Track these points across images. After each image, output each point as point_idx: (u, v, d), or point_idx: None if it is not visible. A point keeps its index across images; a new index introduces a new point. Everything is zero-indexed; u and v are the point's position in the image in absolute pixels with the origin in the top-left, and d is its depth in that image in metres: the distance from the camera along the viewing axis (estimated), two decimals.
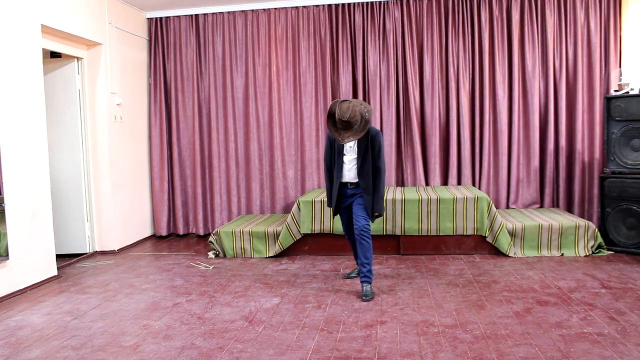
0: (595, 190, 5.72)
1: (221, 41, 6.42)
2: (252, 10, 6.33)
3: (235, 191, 6.47)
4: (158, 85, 6.51)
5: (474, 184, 6.08)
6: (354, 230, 4.00)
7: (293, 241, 5.23)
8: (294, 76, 6.33)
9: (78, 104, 5.57)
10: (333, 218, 4.29)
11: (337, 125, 3.78)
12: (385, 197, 4.97)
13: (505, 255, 4.96)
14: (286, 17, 6.30)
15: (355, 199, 3.99)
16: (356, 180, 3.95)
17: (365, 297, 3.83)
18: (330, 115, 3.82)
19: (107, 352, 3.04)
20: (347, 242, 5.08)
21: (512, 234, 5.00)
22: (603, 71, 5.77)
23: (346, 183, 4.01)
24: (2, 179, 4.14)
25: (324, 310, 3.66)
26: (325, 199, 5.14)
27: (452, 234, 5.06)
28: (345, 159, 3.96)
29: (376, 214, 3.96)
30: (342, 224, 4.26)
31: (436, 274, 4.46)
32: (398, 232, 5.12)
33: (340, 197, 4.07)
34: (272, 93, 6.34)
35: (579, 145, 5.81)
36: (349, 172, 3.97)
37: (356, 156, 3.92)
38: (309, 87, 6.29)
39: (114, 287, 4.42)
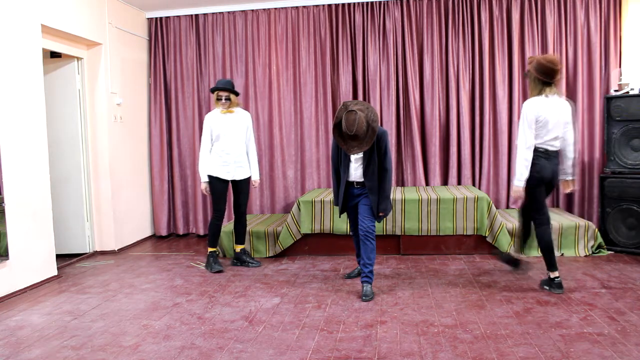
0: (595, 190, 5.72)
1: (221, 41, 6.42)
2: (252, 10, 6.33)
3: None
4: (158, 85, 6.51)
5: (474, 184, 6.08)
6: (358, 230, 4.00)
7: (293, 241, 5.23)
8: (294, 76, 6.33)
9: (78, 104, 5.57)
10: (339, 217, 4.30)
11: (344, 135, 3.77)
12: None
13: None
14: (286, 17, 6.30)
15: (361, 199, 3.99)
16: (362, 179, 3.95)
17: (366, 297, 3.83)
18: (337, 125, 3.81)
19: (107, 352, 3.04)
20: (347, 242, 5.11)
21: (512, 234, 5.00)
22: (603, 71, 5.77)
23: (353, 182, 4.01)
24: (2, 179, 4.14)
25: (324, 310, 3.66)
26: (326, 199, 5.15)
27: (452, 234, 5.06)
28: (352, 157, 3.95)
29: (381, 213, 3.96)
30: (350, 223, 4.27)
31: (436, 274, 4.46)
32: (398, 232, 5.12)
33: (348, 197, 4.07)
34: (272, 93, 6.34)
35: (578, 145, 5.80)
36: (356, 171, 3.96)
37: (362, 155, 3.92)
38: (309, 87, 6.29)
39: (114, 287, 4.42)
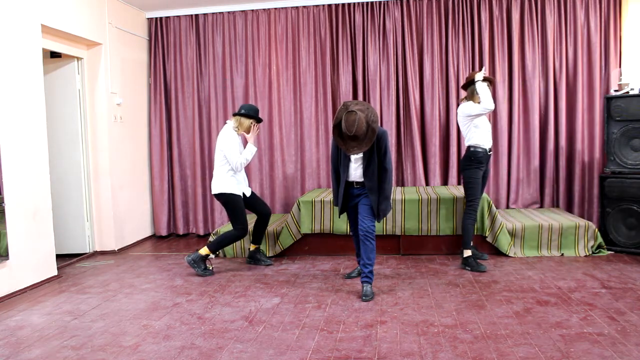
0: (595, 190, 5.72)
1: (221, 41, 6.42)
2: (252, 10, 6.33)
3: None
4: (158, 85, 6.51)
5: None
6: (358, 230, 4.00)
7: (293, 241, 5.23)
8: (294, 76, 6.33)
9: (78, 104, 5.57)
10: (339, 217, 4.30)
11: (343, 136, 3.77)
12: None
13: (505, 255, 4.96)
14: (286, 17, 6.30)
15: (361, 199, 3.99)
16: (362, 179, 3.95)
17: (366, 297, 3.83)
18: (337, 126, 3.80)
19: (107, 352, 3.04)
20: (347, 242, 5.11)
21: (512, 234, 5.00)
22: (603, 71, 5.77)
23: (352, 182, 4.01)
24: (2, 179, 4.14)
25: (324, 310, 3.66)
26: (326, 199, 5.15)
27: (452, 234, 5.06)
28: (352, 157, 3.94)
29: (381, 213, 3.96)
30: (350, 223, 4.27)
31: (436, 274, 4.46)
32: (398, 232, 5.12)
33: (347, 197, 4.07)
34: (272, 93, 6.34)
35: (579, 145, 5.81)
36: (355, 171, 3.96)
37: (362, 156, 3.91)
38: (309, 87, 6.29)
39: (114, 287, 4.42)
